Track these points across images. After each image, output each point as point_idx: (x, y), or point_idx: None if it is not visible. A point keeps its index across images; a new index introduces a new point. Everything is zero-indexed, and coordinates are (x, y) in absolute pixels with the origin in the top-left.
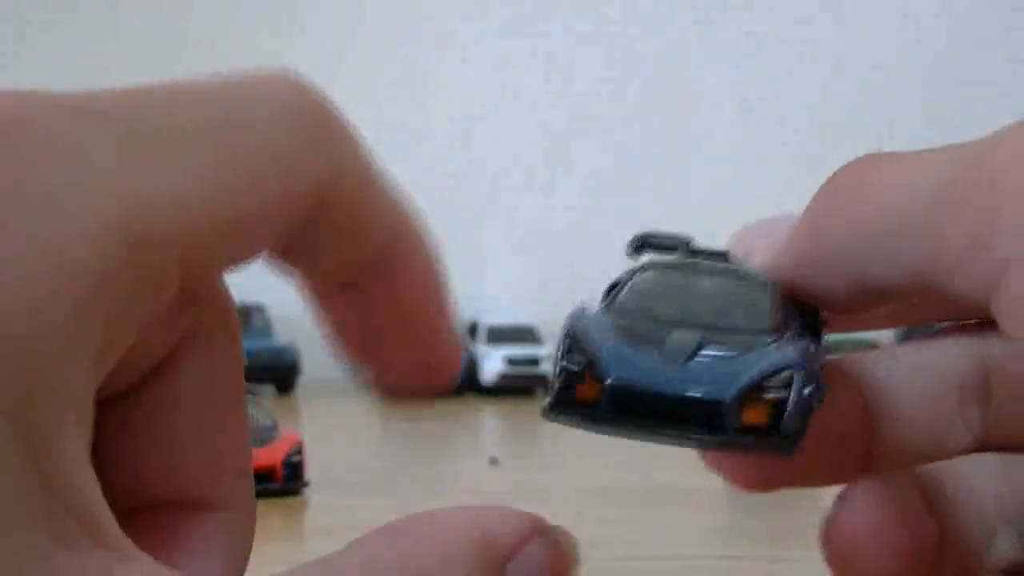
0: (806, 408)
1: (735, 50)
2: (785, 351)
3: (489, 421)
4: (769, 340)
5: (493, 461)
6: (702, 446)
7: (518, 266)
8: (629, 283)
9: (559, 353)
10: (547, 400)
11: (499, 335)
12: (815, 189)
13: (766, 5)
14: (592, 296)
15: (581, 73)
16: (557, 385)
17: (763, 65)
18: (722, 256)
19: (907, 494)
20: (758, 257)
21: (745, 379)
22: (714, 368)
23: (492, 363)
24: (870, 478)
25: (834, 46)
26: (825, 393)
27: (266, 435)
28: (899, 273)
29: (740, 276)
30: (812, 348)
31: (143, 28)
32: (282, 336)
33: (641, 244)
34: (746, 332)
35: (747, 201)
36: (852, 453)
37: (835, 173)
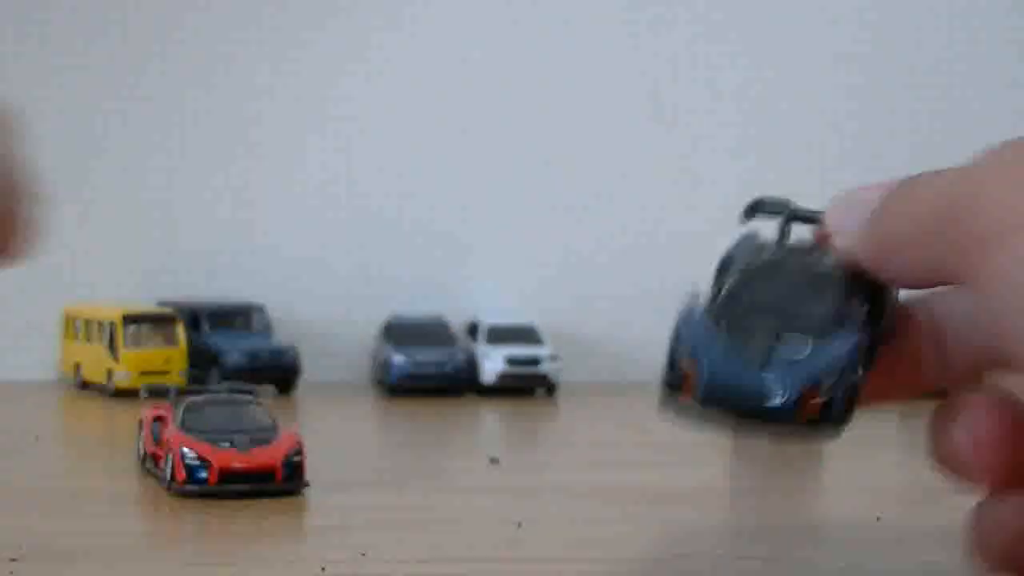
0: (852, 397)
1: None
2: (834, 352)
3: (489, 421)
4: (830, 337)
5: (493, 461)
6: (771, 440)
7: (519, 266)
8: (725, 282)
9: (669, 356)
10: (661, 396)
11: (499, 335)
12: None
13: None
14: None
15: (581, 73)
16: (666, 386)
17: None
18: (815, 219)
19: (1012, 401)
20: (841, 238)
21: (798, 387)
22: (779, 375)
23: (492, 363)
24: (975, 393)
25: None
26: (886, 343)
27: (266, 435)
28: (923, 260)
29: (810, 271)
30: (863, 339)
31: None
32: (282, 337)
33: (753, 210)
34: (811, 329)
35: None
36: (922, 374)
37: (891, 189)
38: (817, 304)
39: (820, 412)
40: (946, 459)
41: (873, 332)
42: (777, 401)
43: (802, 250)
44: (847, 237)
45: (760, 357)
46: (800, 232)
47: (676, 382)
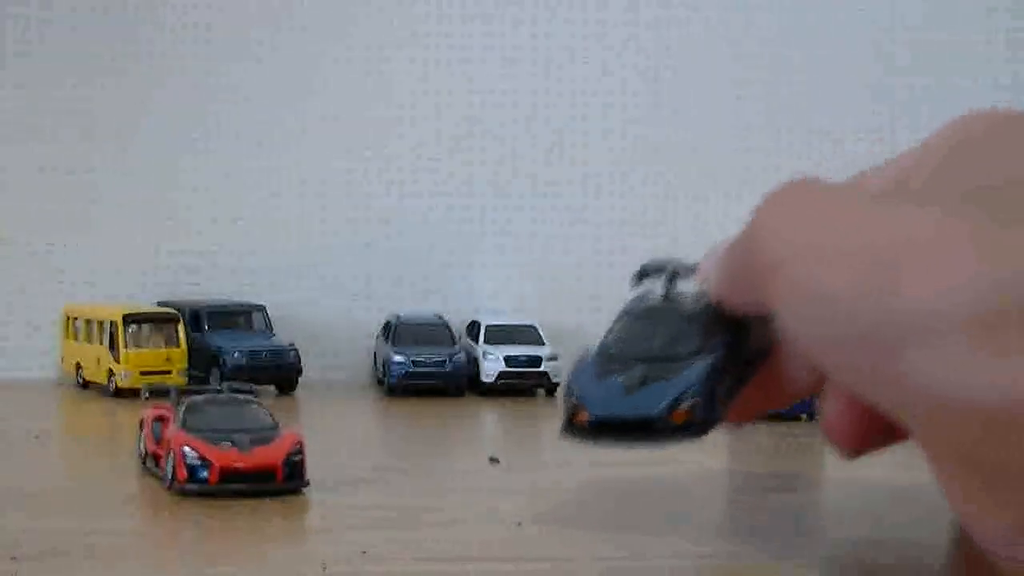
0: (713, 402)
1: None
2: (695, 372)
3: (489, 421)
4: (692, 362)
5: (493, 461)
6: (651, 447)
7: (519, 266)
8: (613, 329)
9: (565, 393)
10: (561, 424)
11: (499, 335)
12: None
13: None
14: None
15: (577, 80)
16: (565, 415)
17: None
18: (692, 269)
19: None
20: (706, 284)
21: (667, 401)
22: (652, 395)
23: (492, 363)
24: (833, 397)
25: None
26: (748, 374)
27: (267, 435)
28: (745, 293)
29: (682, 315)
30: (719, 360)
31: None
32: (282, 336)
33: (641, 275)
34: (678, 359)
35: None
36: (789, 385)
37: (732, 239)
38: (681, 339)
39: (688, 418)
40: (823, 433)
41: (734, 355)
42: (651, 414)
43: (680, 298)
44: (709, 283)
45: (635, 385)
46: (689, 284)
47: (572, 417)
